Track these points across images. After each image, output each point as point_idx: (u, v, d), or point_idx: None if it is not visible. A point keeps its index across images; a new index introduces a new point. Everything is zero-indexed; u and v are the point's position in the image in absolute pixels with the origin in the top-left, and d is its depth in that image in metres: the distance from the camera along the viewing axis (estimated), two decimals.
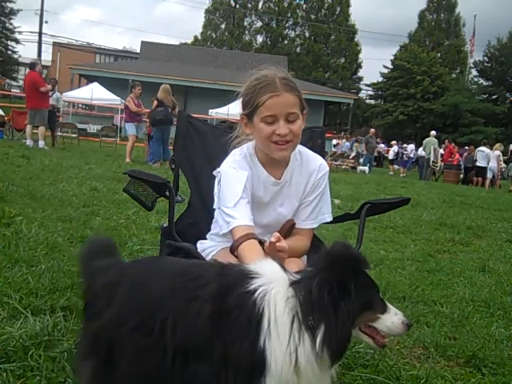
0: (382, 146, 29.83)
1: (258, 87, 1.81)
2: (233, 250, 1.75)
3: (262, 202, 1.95)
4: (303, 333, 1.25)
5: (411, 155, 25.16)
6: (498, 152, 19.63)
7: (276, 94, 1.78)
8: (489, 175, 19.26)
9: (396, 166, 24.51)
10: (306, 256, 2.01)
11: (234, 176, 1.86)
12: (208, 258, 1.93)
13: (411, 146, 26.19)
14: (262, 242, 1.74)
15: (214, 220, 2.02)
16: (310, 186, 1.97)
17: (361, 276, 1.35)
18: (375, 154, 25.14)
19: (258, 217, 1.92)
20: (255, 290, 1.29)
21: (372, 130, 23.29)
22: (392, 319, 1.40)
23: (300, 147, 2.00)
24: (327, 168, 2.03)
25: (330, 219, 2.02)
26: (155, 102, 11.34)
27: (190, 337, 1.29)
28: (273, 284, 1.31)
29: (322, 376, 1.30)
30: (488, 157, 20.26)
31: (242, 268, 1.41)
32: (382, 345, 1.43)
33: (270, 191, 1.95)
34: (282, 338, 1.24)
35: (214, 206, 1.92)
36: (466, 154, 22.01)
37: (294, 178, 1.97)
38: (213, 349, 1.26)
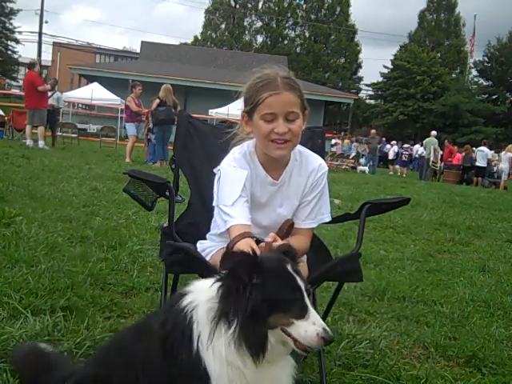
0: (389, 146, 29.49)
1: (259, 85, 1.81)
2: (229, 248, 1.75)
3: (259, 201, 1.94)
4: (221, 328, 1.28)
5: (417, 156, 25.03)
6: (510, 154, 19.67)
7: (276, 93, 1.78)
8: (503, 177, 19.39)
9: (397, 167, 24.45)
10: (305, 256, 2.01)
11: (234, 175, 1.86)
12: (208, 258, 1.93)
13: (417, 147, 25.97)
14: (260, 241, 1.74)
15: (213, 220, 2.02)
16: (308, 185, 1.97)
17: (278, 277, 1.33)
18: (379, 154, 25.04)
19: (258, 217, 1.92)
20: (185, 304, 1.37)
21: (373, 131, 23.33)
22: (307, 328, 1.30)
23: (300, 147, 2.00)
24: (326, 168, 2.03)
25: (329, 219, 2.02)
26: (156, 101, 11.33)
27: (146, 374, 1.37)
28: (200, 292, 1.38)
29: (269, 371, 1.32)
30: (488, 157, 20.30)
31: (179, 292, 1.48)
32: (303, 349, 1.34)
33: (267, 191, 1.95)
34: (208, 337, 1.29)
35: (213, 204, 1.92)
36: (463, 153, 21.93)
37: (294, 178, 1.96)
38: (165, 373, 1.33)
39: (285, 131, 1.79)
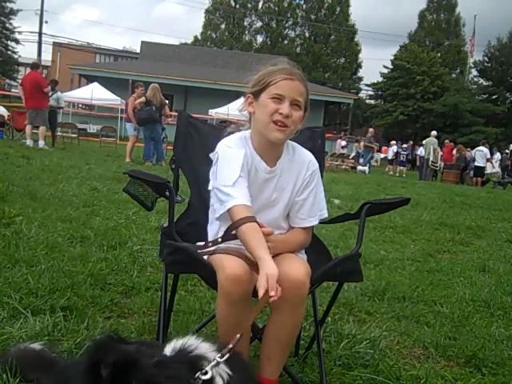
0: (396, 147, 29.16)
1: (274, 70, 1.88)
2: (231, 228, 1.74)
3: (254, 188, 1.92)
4: None
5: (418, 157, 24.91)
6: None
7: (290, 78, 1.85)
8: None
9: (398, 167, 24.37)
10: (305, 256, 2.02)
11: (232, 154, 1.87)
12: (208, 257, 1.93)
13: (421, 150, 25.83)
14: (261, 226, 1.75)
15: (209, 223, 2.02)
16: (299, 183, 1.97)
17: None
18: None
19: (254, 205, 1.91)
20: None
21: (371, 130, 23.35)
22: None
23: (293, 143, 2.03)
24: (317, 164, 2.04)
25: (326, 215, 2.04)
26: (142, 99, 11.40)
27: None
28: None
29: None
30: (487, 156, 20.31)
31: None
32: None
33: (260, 177, 1.93)
34: None
35: (210, 188, 1.91)
36: (456, 154, 21.83)
37: (285, 172, 1.97)
38: None
39: (288, 114, 1.82)
